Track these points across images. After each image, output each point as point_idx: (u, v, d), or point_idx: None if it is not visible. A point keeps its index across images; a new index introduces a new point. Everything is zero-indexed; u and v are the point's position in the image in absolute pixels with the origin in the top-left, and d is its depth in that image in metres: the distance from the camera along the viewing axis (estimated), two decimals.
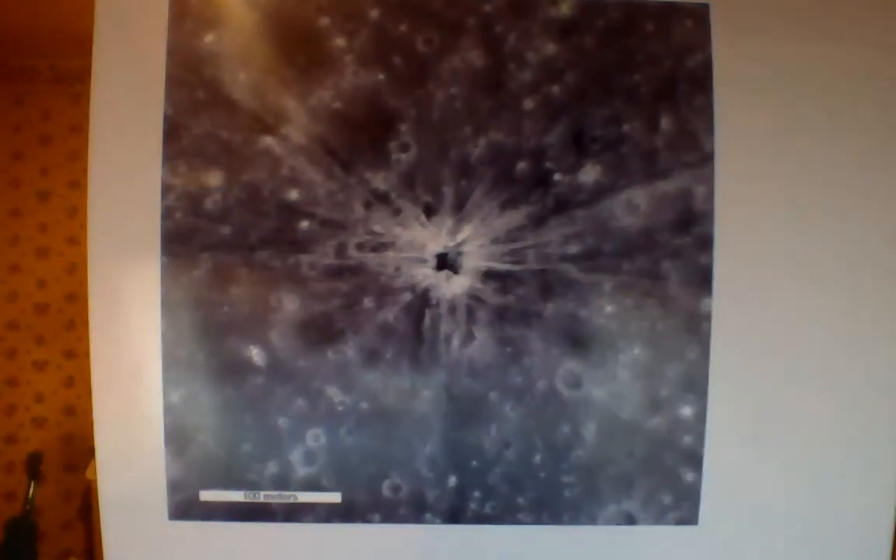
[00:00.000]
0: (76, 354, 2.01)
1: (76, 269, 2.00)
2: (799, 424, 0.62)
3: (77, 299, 1.99)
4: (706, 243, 0.60)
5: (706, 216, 0.60)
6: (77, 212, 2.00)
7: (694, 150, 0.60)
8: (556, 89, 0.60)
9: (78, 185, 1.98)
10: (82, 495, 1.74)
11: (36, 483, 1.64)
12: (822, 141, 0.61)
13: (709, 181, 0.60)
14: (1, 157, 2.00)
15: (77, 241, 2.00)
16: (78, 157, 1.98)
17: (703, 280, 0.60)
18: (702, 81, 0.60)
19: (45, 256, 2.02)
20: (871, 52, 0.61)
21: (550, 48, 0.60)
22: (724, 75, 0.60)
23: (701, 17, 0.60)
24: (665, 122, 0.60)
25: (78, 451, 1.92)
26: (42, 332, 2.02)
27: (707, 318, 0.60)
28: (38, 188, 2.02)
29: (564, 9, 0.60)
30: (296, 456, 0.60)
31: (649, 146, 0.60)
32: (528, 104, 0.60)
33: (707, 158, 0.60)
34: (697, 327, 0.60)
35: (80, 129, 1.94)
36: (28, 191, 2.02)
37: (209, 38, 0.59)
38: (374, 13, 0.59)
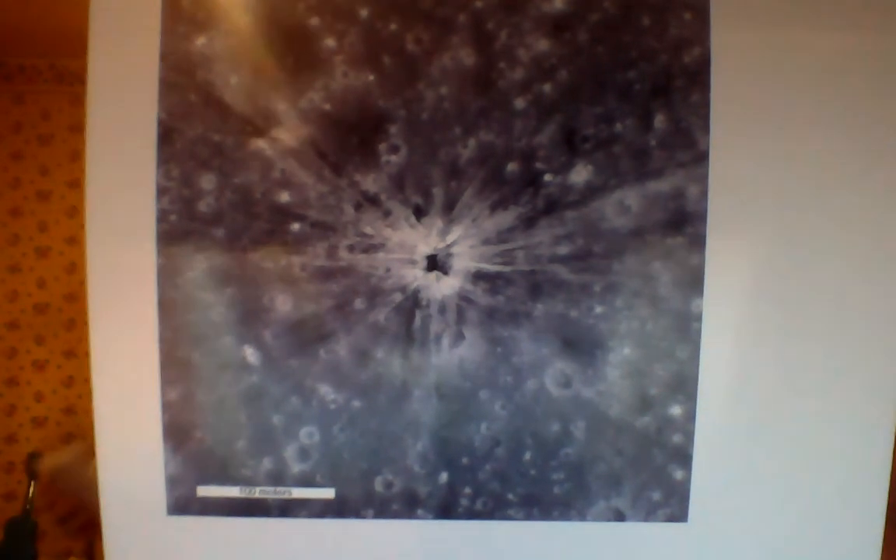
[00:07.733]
0: (76, 354, 2.01)
1: (76, 269, 2.00)
2: (789, 424, 0.62)
3: (77, 299, 2.00)
4: (698, 244, 0.60)
5: (699, 216, 0.59)
6: (77, 211, 2.00)
7: (688, 148, 0.59)
8: (547, 88, 0.59)
9: (78, 184, 1.99)
10: None
11: (36, 483, 1.64)
12: (822, 139, 0.60)
13: (703, 180, 0.59)
14: (1, 157, 2.01)
15: (77, 240, 2.00)
16: (78, 156, 1.99)
17: (694, 281, 0.60)
18: (699, 77, 0.59)
19: (44, 256, 2.03)
20: (880, 43, 0.59)
21: (543, 45, 0.59)
22: (723, 70, 0.59)
23: (700, 9, 0.59)
24: (659, 120, 0.59)
25: None
26: (42, 332, 2.03)
27: (698, 318, 0.60)
28: (37, 188, 2.02)
29: (558, 3, 0.59)
30: (290, 452, 0.61)
31: (642, 145, 0.59)
32: (520, 103, 0.59)
33: (701, 157, 0.59)
34: (688, 327, 0.60)
35: (79, 128, 1.94)
36: (28, 190, 2.02)
37: (201, 41, 0.59)
38: (364, 12, 0.59)
